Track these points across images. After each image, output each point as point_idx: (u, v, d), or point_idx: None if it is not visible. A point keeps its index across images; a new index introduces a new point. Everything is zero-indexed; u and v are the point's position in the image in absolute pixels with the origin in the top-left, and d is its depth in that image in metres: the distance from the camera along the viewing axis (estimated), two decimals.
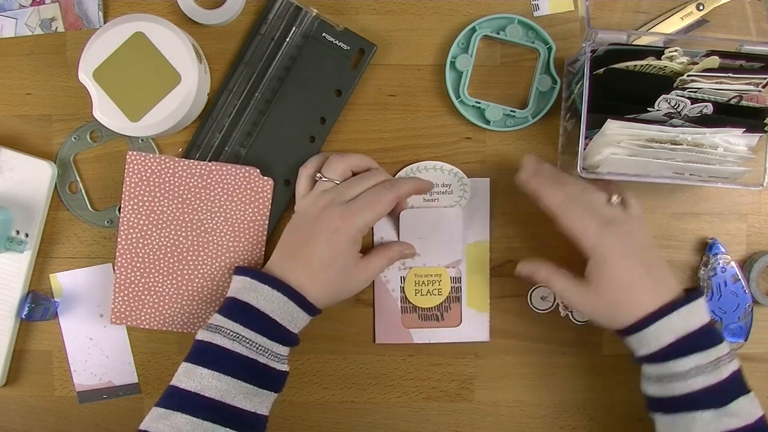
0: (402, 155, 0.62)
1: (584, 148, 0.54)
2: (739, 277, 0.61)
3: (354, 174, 0.59)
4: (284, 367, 0.54)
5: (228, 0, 0.61)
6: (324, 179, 0.58)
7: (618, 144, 0.53)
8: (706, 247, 0.62)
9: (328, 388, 0.64)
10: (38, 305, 0.62)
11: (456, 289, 0.63)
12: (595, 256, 0.52)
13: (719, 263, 0.61)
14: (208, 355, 0.52)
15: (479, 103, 0.61)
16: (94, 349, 0.64)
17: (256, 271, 0.55)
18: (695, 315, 0.52)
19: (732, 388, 0.51)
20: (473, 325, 0.63)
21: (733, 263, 0.61)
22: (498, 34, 0.61)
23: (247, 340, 0.52)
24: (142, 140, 0.62)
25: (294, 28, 0.61)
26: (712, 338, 0.52)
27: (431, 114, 0.62)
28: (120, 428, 0.64)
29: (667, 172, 0.54)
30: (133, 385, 0.64)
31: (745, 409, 0.51)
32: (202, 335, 0.53)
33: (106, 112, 0.58)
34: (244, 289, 0.54)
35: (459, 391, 0.64)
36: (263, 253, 0.62)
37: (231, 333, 0.52)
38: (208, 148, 0.62)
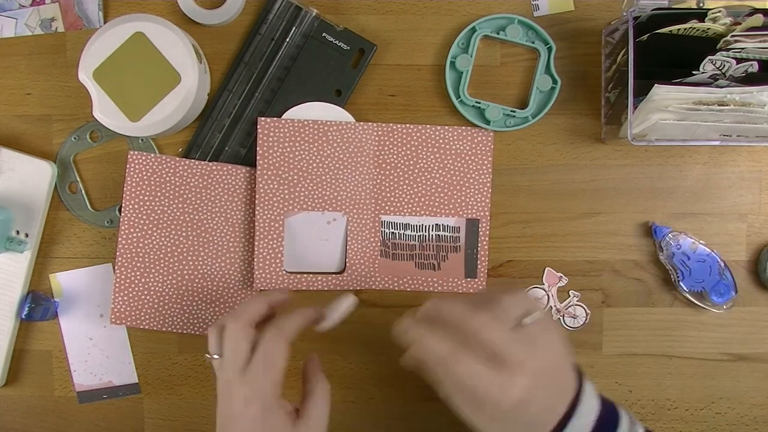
0: None
1: (632, 116, 0.54)
2: (697, 244, 0.61)
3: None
4: None
5: (228, 0, 0.61)
6: (211, 357, 0.51)
7: (666, 109, 0.53)
8: (652, 234, 0.62)
9: None
10: (38, 305, 0.62)
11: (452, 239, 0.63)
12: (508, 365, 0.43)
13: (671, 243, 0.61)
14: None
15: (479, 103, 0.61)
16: (94, 349, 0.64)
17: None
18: (589, 404, 0.45)
19: None
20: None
21: (683, 234, 0.61)
22: (498, 34, 0.61)
23: None
24: (142, 140, 0.62)
25: (294, 28, 0.61)
26: (613, 419, 0.46)
27: (431, 114, 0.62)
28: (120, 428, 0.64)
29: (714, 135, 0.55)
30: (133, 385, 0.64)
31: None
32: None
33: (106, 112, 0.58)
34: None
35: None
36: None
37: None
38: (208, 148, 0.62)
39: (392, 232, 0.62)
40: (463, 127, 0.62)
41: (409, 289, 0.63)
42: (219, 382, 0.50)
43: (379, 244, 0.62)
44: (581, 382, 0.46)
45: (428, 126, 0.62)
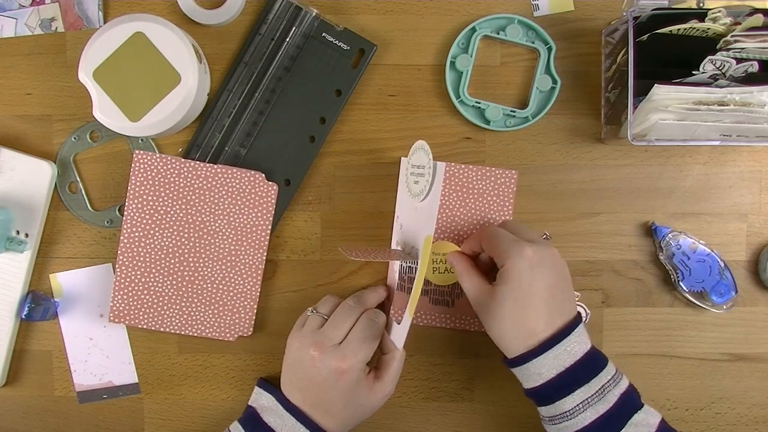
0: (402, 155, 0.62)
1: (632, 116, 0.54)
2: (697, 244, 0.61)
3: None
4: None
5: (228, 0, 0.61)
6: (312, 313, 0.57)
7: (666, 109, 0.53)
8: (652, 234, 0.62)
9: None
10: (38, 305, 0.62)
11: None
12: (512, 259, 0.51)
13: (671, 243, 0.61)
14: None
15: (479, 103, 0.61)
16: (94, 349, 0.64)
17: (281, 395, 0.55)
18: (576, 345, 0.51)
19: (623, 412, 0.51)
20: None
21: (683, 234, 0.61)
22: (498, 34, 0.61)
23: None
24: (142, 140, 0.62)
25: (294, 28, 0.61)
26: (595, 365, 0.51)
27: (431, 114, 0.63)
28: (120, 428, 0.64)
29: (715, 135, 0.55)
30: (133, 385, 0.64)
31: (643, 423, 0.51)
32: None
33: (106, 112, 0.58)
34: (269, 409, 0.54)
35: (459, 391, 0.64)
36: (265, 258, 0.62)
37: None
38: (208, 148, 0.62)
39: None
40: (488, 167, 0.61)
41: (421, 324, 0.62)
42: (309, 350, 0.54)
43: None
44: (579, 321, 0.53)
45: (453, 164, 0.61)
